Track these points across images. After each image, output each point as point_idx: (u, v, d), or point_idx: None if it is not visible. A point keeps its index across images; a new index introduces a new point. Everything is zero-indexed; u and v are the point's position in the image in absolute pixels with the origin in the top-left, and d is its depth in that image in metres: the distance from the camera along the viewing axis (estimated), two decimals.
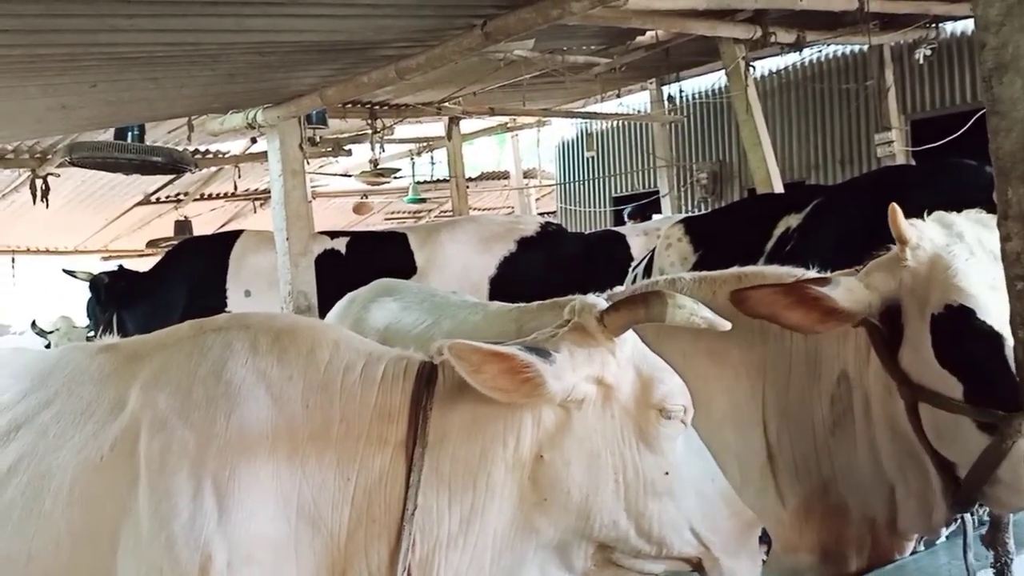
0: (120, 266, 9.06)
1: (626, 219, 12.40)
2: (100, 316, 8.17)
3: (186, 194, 14.70)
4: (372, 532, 1.89)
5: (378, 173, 12.81)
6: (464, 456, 1.90)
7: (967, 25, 10.11)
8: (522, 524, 1.92)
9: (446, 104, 10.87)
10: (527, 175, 16.60)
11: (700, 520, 1.97)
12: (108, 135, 9.21)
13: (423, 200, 15.76)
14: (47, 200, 10.57)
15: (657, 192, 13.46)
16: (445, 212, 17.07)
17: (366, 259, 7.64)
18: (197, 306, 7.12)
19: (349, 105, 10.15)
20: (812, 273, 2.44)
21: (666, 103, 12.90)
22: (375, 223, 17.96)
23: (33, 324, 9.97)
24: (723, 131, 13.33)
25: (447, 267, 7.58)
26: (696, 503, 1.97)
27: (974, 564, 2.13)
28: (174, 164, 9.19)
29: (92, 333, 8.42)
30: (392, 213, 19.11)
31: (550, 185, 17.08)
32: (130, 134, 8.92)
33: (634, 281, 5.57)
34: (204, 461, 1.86)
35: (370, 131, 10.89)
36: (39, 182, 10.49)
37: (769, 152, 8.37)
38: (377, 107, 10.61)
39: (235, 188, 14.11)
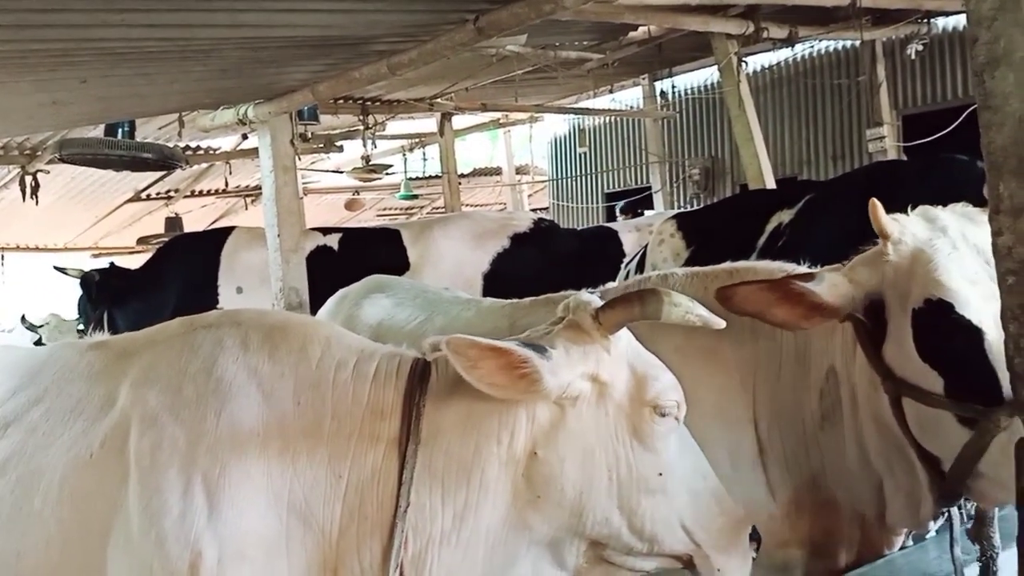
0: (111, 263, 9.03)
1: (617, 215, 12.41)
2: (91, 313, 8.14)
3: (177, 191, 14.65)
4: (364, 529, 1.89)
5: (370, 169, 12.78)
6: (458, 453, 1.90)
7: (959, 20, 10.13)
8: (515, 521, 1.92)
9: (438, 100, 10.84)
10: (519, 171, 16.59)
11: (691, 517, 1.98)
12: (98, 131, 9.16)
13: (415, 196, 15.74)
14: (37, 197, 10.50)
15: (649, 188, 13.46)
16: (437, 208, 17.04)
17: (359, 255, 7.62)
18: (188, 303, 7.09)
19: (341, 101, 10.11)
20: (803, 268, 2.45)
21: (658, 99, 12.90)
22: (367, 219, 17.92)
23: (23, 319, 9.94)
24: (715, 127, 13.34)
25: (440, 263, 7.57)
26: (687, 501, 1.98)
27: (961, 558, 2.14)
28: (164, 160, 9.15)
29: (82, 327, 8.39)
30: (384, 209, 19.07)
31: (542, 181, 17.07)
32: (120, 130, 8.88)
33: (627, 277, 5.57)
34: (194, 458, 1.86)
35: (362, 127, 10.85)
36: (29, 179, 10.42)
37: (761, 148, 8.38)
38: (369, 103, 10.58)
39: (226, 184, 14.05)
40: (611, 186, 15.22)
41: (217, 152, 12.76)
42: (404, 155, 14.54)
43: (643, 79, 12.69)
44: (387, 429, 1.93)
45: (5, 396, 2.16)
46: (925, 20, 9.65)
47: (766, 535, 2.23)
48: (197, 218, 15.62)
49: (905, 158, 9.58)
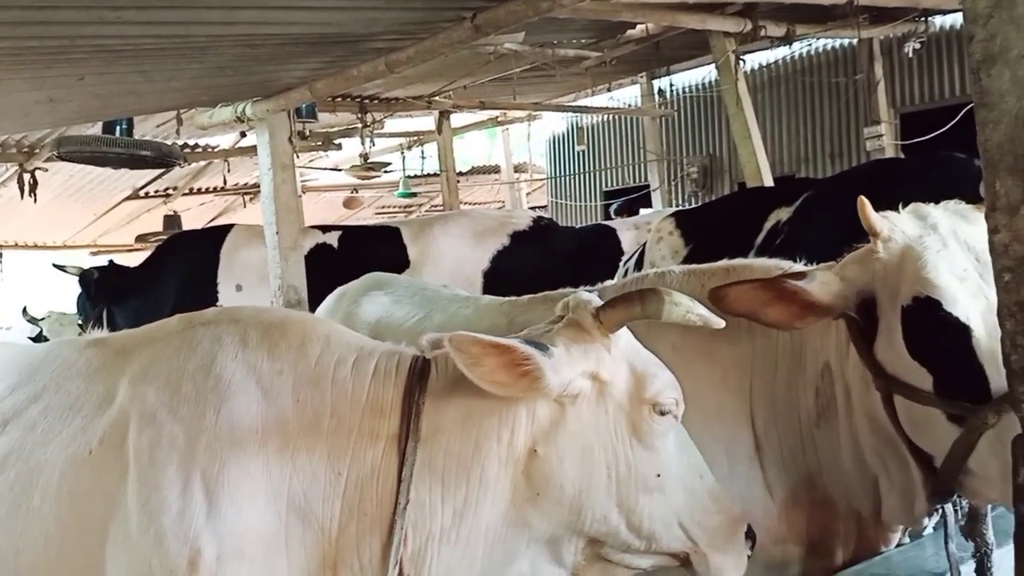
0: (110, 261, 9.02)
1: (612, 215, 12.40)
2: (90, 311, 8.13)
3: (175, 188, 14.63)
4: (364, 526, 1.89)
5: (368, 167, 12.78)
6: (458, 450, 1.90)
7: (956, 18, 10.14)
8: (514, 518, 1.92)
9: (436, 98, 10.84)
10: (518, 169, 16.59)
11: (688, 516, 1.99)
12: (96, 129, 9.16)
13: (413, 194, 15.73)
14: (35, 195, 10.49)
15: (648, 186, 13.47)
16: (435, 206, 17.04)
17: (359, 253, 7.62)
18: (188, 301, 7.06)
19: (339, 99, 10.11)
20: (799, 266, 2.45)
21: (656, 97, 12.90)
22: (365, 218, 17.91)
23: (24, 311, 9.96)
24: (713, 125, 13.34)
25: (440, 261, 7.57)
26: (685, 499, 1.99)
27: (957, 555, 2.14)
28: (163, 158, 9.15)
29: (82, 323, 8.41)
30: (382, 207, 19.05)
31: (541, 179, 17.07)
32: (118, 128, 8.88)
33: (625, 275, 5.57)
34: (193, 455, 1.86)
35: (360, 125, 10.85)
36: (27, 176, 10.41)
37: (759, 146, 8.38)
38: (367, 101, 10.58)
39: (224, 182, 14.02)
40: (609, 184, 15.23)
41: (215, 150, 12.75)
42: (402, 153, 14.52)
43: (641, 77, 12.70)
44: (386, 426, 1.93)
45: (4, 393, 2.16)
46: (923, 18, 9.65)
47: (763, 532, 2.24)
48: (195, 216, 15.61)
49: (903, 156, 9.58)
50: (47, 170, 10.81)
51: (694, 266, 2.71)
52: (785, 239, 4.55)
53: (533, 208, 15.73)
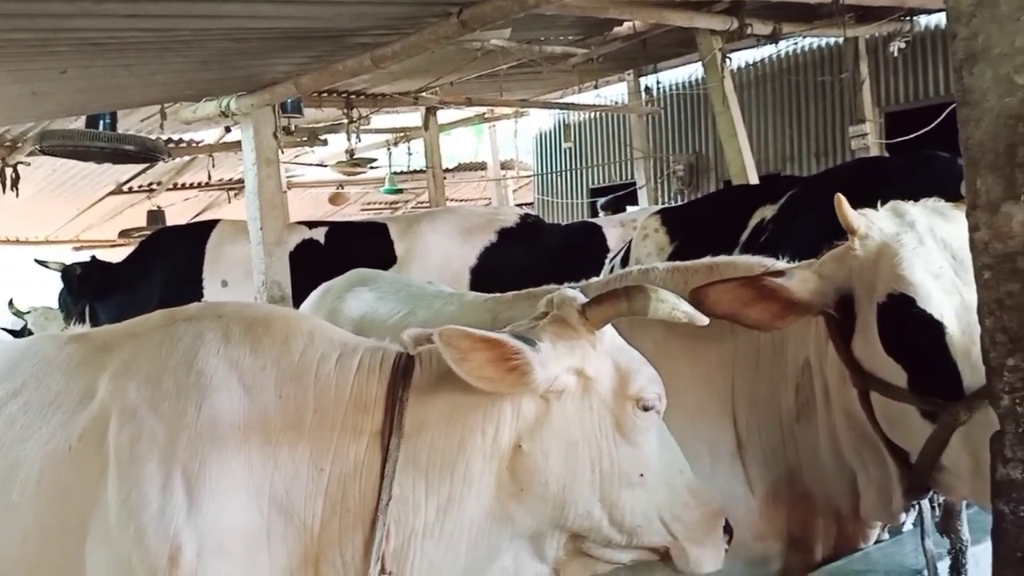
0: (93, 256, 8.95)
1: (599, 211, 12.43)
2: (72, 307, 8.07)
3: (159, 183, 14.54)
4: (347, 522, 1.89)
5: (354, 163, 12.73)
6: (442, 446, 1.90)
7: (941, 18, 10.18)
8: (498, 514, 1.92)
9: (423, 94, 10.81)
10: (504, 166, 16.58)
11: (669, 510, 2.00)
12: (80, 123, 9.09)
13: (400, 191, 15.70)
14: (17, 189, 10.42)
15: (634, 183, 13.49)
16: (422, 203, 17.00)
17: (346, 249, 7.60)
18: (172, 296, 7.02)
19: (325, 94, 10.07)
20: (782, 263, 2.46)
21: (643, 94, 12.92)
22: (351, 214, 17.86)
23: (11, 303, 9.89)
24: (700, 123, 13.37)
25: (428, 257, 7.57)
26: (665, 493, 2.00)
27: (933, 551, 2.16)
28: (147, 153, 9.09)
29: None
30: (368, 204, 19.00)
31: (527, 176, 17.07)
32: (102, 122, 8.82)
33: (611, 272, 5.59)
34: (174, 451, 1.85)
35: (346, 121, 10.81)
36: (9, 171, 10.34)
37: (745, 144, 8.41)
38: (353, 96, 10.54)
39: (209, 178, 13.96)
40: (596, 181, 15.25)
41: (200, 145, 12.68)
42: (388, 149, 14.48)
43: (628, 74, 12.70)
44: (370, 422, 1.93)
45: None
46: (908, 18, 9.71)
47: (744, 528, 2.25)
48: (179, 211, 15.51)
49: (887, 155, 9.63)
50: (30, 164, 10.73)
51: (678, 263, 2.71)
52: (770, 236, 4.57)
53: (520, 205, 15.72)
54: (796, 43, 11.50)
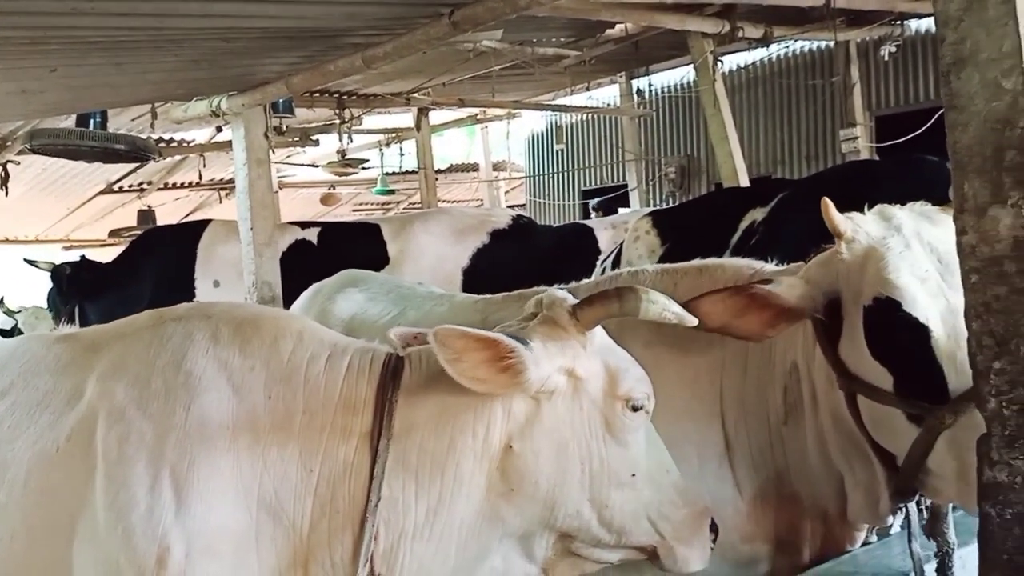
0: (83, 256, 8.91)
1: (591, 213, 12.43)
2: (62, 307, 8.03)
3: (150, 183, 14.49)
4: (336, 523, 1.88)
5: (346, 164, 12.71)
6: (432, 447, 1.90)
7: (931, 23, 10.17)
8: (488, 514, 1.93)
9: (415, 95, 10.81)
10: (496, 167, 16.56)
11: (656, 509, 2.01)
12: (70, 122, 9.05)
13: (392, 191, 15.67)
14: (7, 188, 10.38)
15: (626, 186, 13.50)
16: (414, 204, 16.96)
17: (338, 250, 7.58)
18: (164, 297, 6.98)
19: (316, 94, 10.05)
20: (770, 266, 2.46)
21: (635, 97, 12.94)
22: (343, 214, 17.82)
23: (0, 303, 9.83)
24: (691, 125, 13.40)
25: (421, 258, 7.56)
26: (653, 493, 2.01)
27: (920, 553, 2.16)
28: (137, 152, 9.05)
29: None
30: (360, 204, 18.97)
31: (519, 178, 17.07)
32: (92, 121, 8.77)
33: (603, 273, 5.60)
34: (163, 452, 1.84)
35: (338, 121, 10.79)
36: None
37: (736, 147, 8.44)
38: (345, 97, 10.52)
39: (200, 177, 13.91)
40: (588, 183, 15.25)
41: (191, 144, 12.64)
42: (380, 150, 14.45)
43: (620, 77, 12.72)
44: (359, 423, 1.92)
45: None
46: (899, 22, 9.75)
47: (732, 530, 2.26)
48: (170, 211, 15.45)
49: (878, 158, 9.67)
50: (19, 163, 10.67)
51: (668, 265, 2.72)
52: (760, 239, 4.58)
53: (512, 207, 15.72)
54: (787, 46, 11.55)
